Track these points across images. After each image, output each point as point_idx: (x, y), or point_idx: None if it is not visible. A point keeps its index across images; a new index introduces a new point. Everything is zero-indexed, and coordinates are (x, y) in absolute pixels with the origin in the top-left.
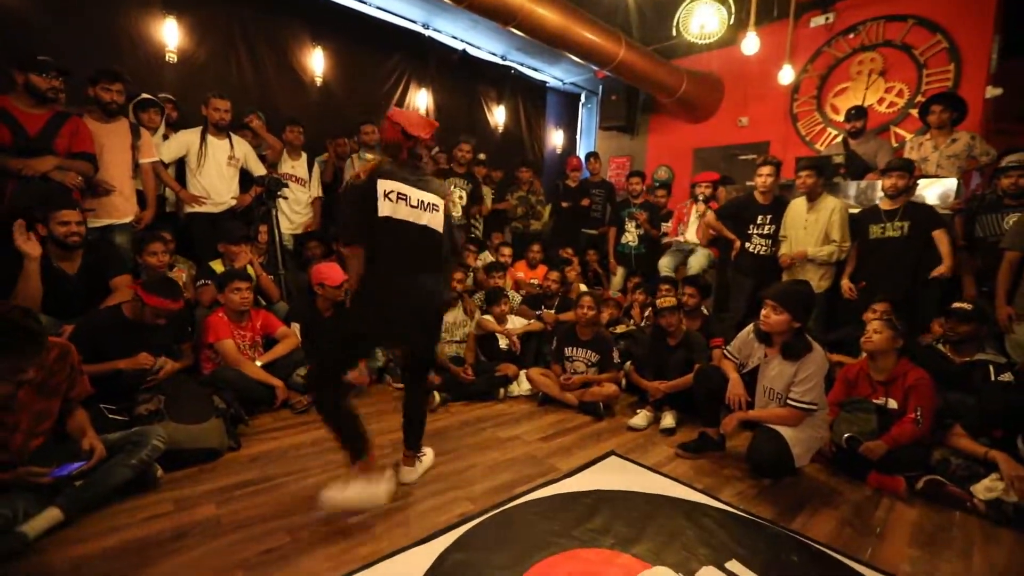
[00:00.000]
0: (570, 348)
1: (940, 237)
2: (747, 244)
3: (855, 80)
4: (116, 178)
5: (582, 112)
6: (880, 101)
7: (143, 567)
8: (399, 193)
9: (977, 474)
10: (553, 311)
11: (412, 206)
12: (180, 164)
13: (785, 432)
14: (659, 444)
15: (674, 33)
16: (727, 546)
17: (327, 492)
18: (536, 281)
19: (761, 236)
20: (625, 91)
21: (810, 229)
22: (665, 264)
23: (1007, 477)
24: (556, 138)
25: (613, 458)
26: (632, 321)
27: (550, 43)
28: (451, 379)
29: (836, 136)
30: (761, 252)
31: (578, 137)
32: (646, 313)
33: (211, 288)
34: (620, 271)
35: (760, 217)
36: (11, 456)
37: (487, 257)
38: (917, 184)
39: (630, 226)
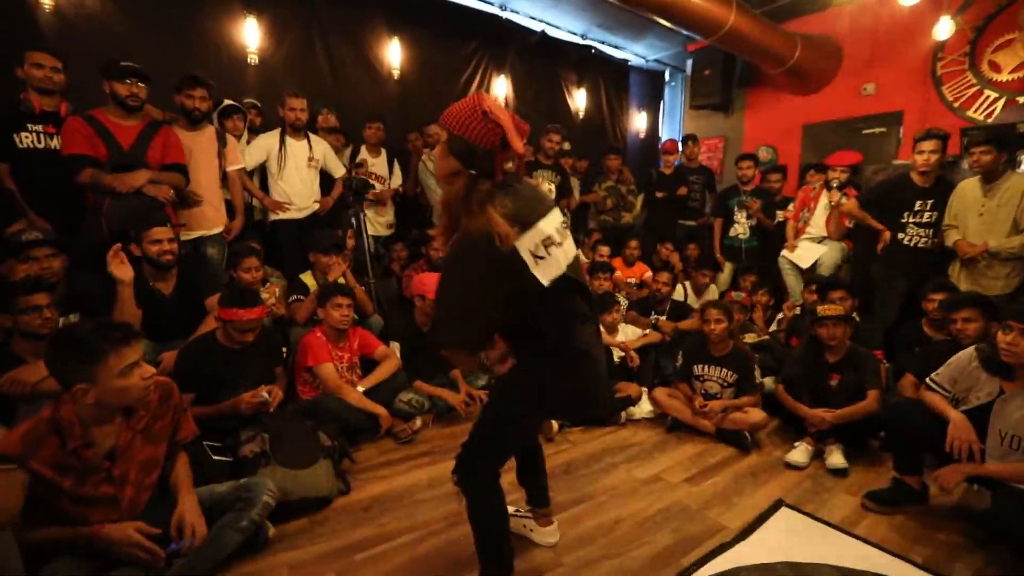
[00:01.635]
0: (700, 366)
1: None
2: (900, 235)
3: None
4: (204, 188)
5: (666, 91)
6: None
7: None
8: (547, 239)
9: None
10: (664, 316)
11: (561, 244)
12: (262, 170)
13: None
14: (833, 490)
15: None
16: None
17: None
18: (634, 280)
19: (919, 225)
20: (721, 64)
21: (988, 216)
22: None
23: None
24: (639, 121)
25: (785, 511)
26: (757, 327)
27: (656, 12)
28: None
29: (997, 99)
30: (920, 244)
31: (661, 118)
32: (777, 319)
33: (305, 304)
34: (728, 267)
35: (919, 203)
36: (122, 515)
37: (581, 257)
38: None
39: (740, 216)
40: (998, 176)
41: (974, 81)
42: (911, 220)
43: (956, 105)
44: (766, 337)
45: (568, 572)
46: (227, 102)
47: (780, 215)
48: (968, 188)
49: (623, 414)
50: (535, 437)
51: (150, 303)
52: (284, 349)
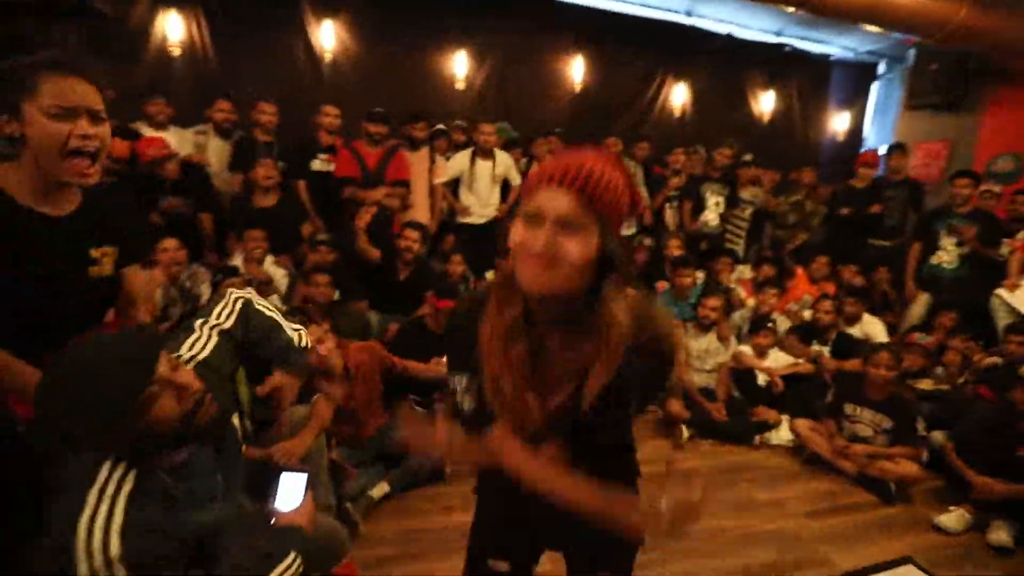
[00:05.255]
0: (853, 406)
1: None
2: None
3: None
4: (417, 195)
5: (878, 87)
6: None
7: None
8: None
9: None
10: (827, 349)
11: None
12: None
13: None
14: (989, 566)
15: None
16: None
17: None
18: (794, 305)
19: None
20: (955, 55)
21: None
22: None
23: None
24: (838, 122)
25: (911, 568)
26: (941, 374)
27: (859, 19)
28: (700, 413)
29: None
30: None
31: (868, 119)
32: (967, 370)
33: None
34: (923, 299)
35: None
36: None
37: (744, 272)
38: None
39: (948, 242)
40: None
41: None
42: None
43: None
44: (946, 387)
45: (667, 557)
46: (438, 126)
47: (1007, 244)
48: None
49: (758, 437)
50: None
51: (381, 279)
52: None
